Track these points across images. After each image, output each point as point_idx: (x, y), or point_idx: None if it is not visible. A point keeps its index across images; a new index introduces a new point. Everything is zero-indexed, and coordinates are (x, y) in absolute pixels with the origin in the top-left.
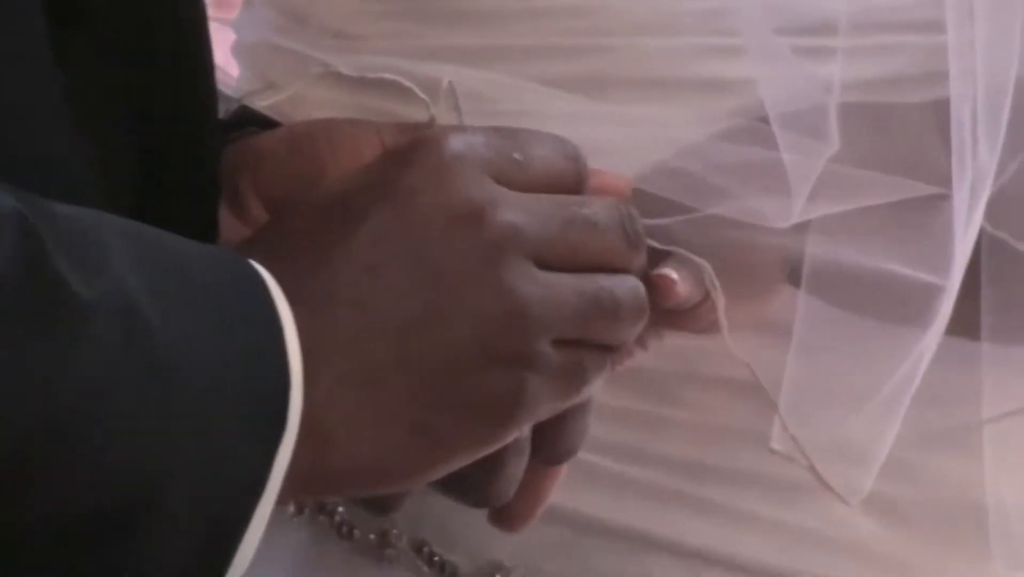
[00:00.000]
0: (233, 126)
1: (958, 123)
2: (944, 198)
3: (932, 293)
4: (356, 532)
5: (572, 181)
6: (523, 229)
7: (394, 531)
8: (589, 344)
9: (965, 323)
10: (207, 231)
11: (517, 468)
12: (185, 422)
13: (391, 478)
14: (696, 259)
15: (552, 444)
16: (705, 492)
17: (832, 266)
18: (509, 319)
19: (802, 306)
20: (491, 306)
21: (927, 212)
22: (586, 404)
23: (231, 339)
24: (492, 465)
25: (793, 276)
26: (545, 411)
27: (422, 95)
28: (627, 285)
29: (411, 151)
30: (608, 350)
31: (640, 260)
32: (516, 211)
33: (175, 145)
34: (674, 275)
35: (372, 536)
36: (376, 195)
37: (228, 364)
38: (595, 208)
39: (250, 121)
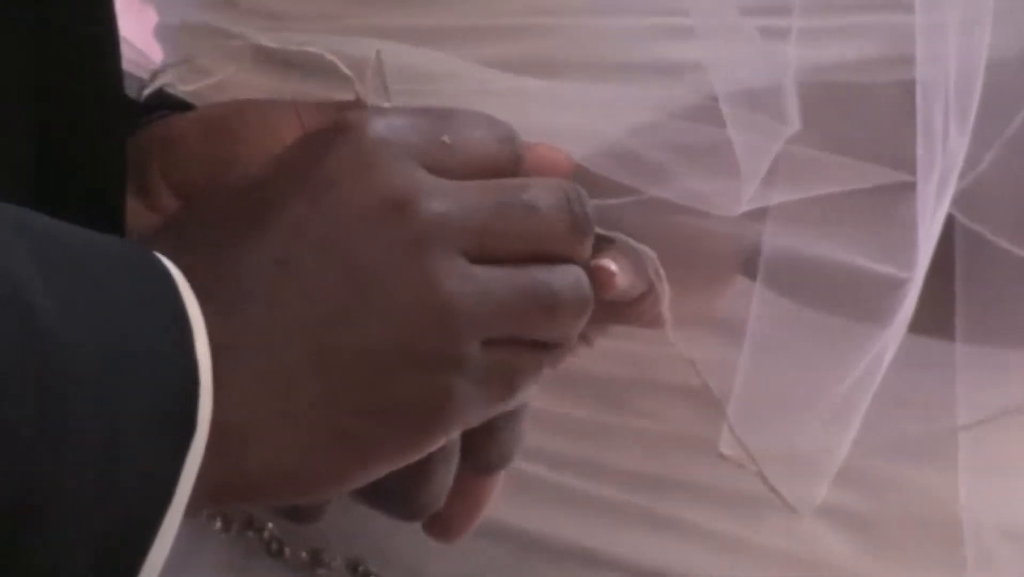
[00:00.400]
0: (145, 110)
1: (926, 107)
2: (911, 187)
3: (895, 287)
4: (287, 550)
5: (506, 164)
6: (451, 220)
7: (327, 549)
8: (524, 343)
9: (937, 324)
10: (113, 221)
11: (445, 477)
12: (82, 427)
13: (308, 486)
14: (639, 246)
15: (483, 452)
16: (660, 507)
17: (790, 257)
18: (434, 318)
19: (757, 301)
20: (414, 304)
21: (892, 201)
22: (520, 409)
23: (134, 339)
24: (418, 475)
25: (748, 267)
26: (475, 417)
27: (346, 71)
28: (568, 277)
29: (331, 136)
30: (545, 348)
31: (587, 246)
32: (444, 200)
33: (76, 130)
34: (613, 266)
35: (304, 554)
36: (293, 184)
37: (131, 366)
38: (535, 191)
39: (164, 104)
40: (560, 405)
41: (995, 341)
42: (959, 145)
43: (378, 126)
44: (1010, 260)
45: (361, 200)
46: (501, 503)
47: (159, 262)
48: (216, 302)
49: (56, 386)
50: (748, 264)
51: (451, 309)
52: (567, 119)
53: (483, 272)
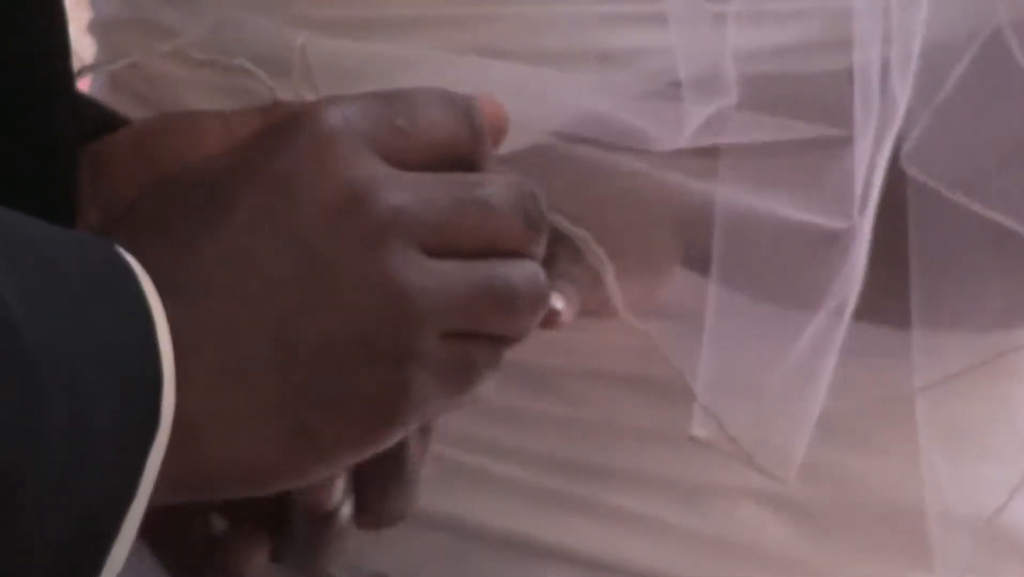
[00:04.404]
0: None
1: (863, 59)
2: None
3: (840, 238)
4: None
5: (467, 141)
6: (408, 213)
7: None
8: (481, 336)
9: (876, 310)
10: (66, 220)
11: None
12: (48, 420)
13: (267, 478)
14: (575, 230)
15: (375, 507)
16: (596, 494)
17: (743, 221)
18: (391, 311)
19: (713, 290)
20: (372, 297)
21: (838, 159)
22: (414, 465)
23: (99, 334)
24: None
25: (686, 258)
26: (433, 410)
27: (267, 81)
28: (524, 271)
29: (287, 128)
30: (502, 342)
31: (541, 243)
32: (400, 193)
33: (29, 129)
34: (559, 304)
35: None
36: (251, 176)
37: (96, 360)
38: (491, 188)
39: (103, 125)
40: (492, 393)
41: (952, 313)
42: (901, 94)
43: (333, 117)
44: (964, 222)
45: (319, 193)
46: (436, 492)
47: (119, 256)
48: (176, 295)
49: (26, 381)
50: (686, 256)
51: (409, 302)
52: (514, 106)
53: (440, 266)
